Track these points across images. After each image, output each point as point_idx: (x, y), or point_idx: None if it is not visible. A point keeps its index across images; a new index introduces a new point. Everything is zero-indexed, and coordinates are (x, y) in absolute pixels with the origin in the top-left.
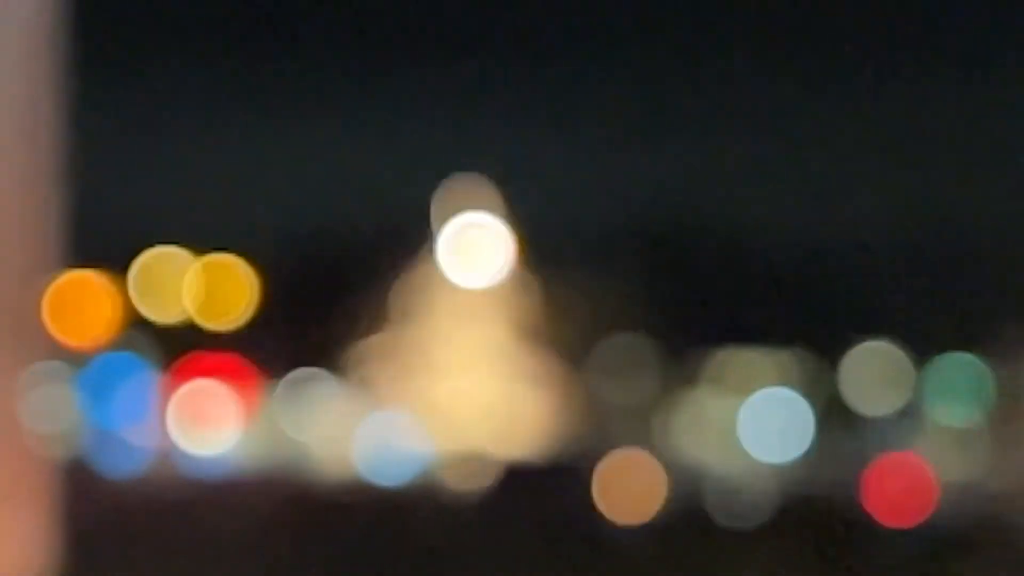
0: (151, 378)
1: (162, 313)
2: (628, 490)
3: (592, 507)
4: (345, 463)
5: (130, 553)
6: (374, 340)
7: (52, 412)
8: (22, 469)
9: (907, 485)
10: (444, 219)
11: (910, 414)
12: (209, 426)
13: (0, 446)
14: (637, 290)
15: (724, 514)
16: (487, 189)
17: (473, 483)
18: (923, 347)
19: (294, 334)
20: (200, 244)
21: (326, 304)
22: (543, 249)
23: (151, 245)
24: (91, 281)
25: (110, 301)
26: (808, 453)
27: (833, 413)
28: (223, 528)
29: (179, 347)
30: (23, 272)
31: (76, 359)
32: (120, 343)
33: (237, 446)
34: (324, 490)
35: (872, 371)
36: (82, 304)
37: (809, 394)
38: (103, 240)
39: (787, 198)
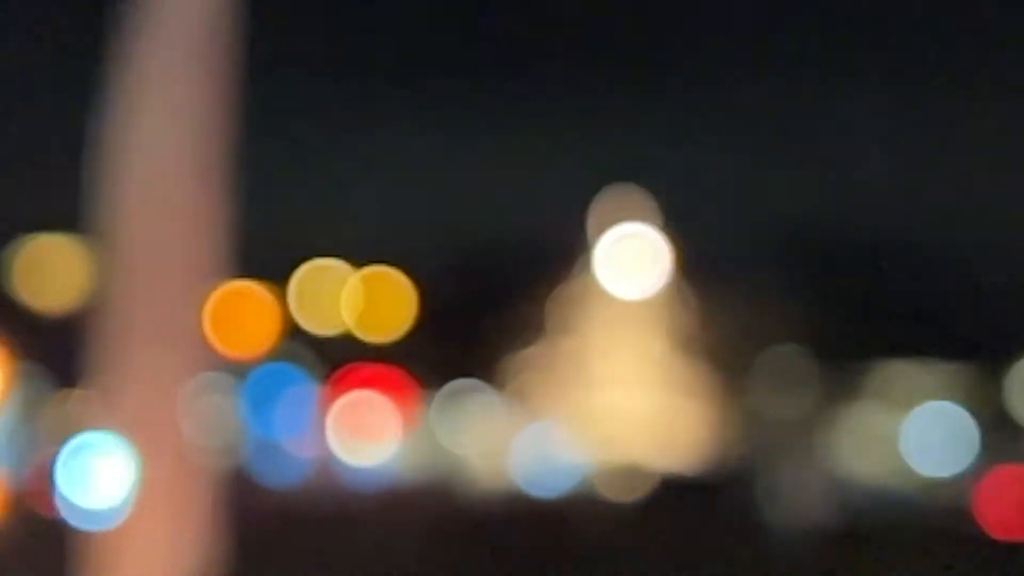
0: (311, 389)
1: (321, 324)
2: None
3: (752, 518)
4: (502, 474)
5: (290, 562)
6: (531, 352)
7: (214, 422)
8: (185, 479)
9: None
10: (601, 231)
11: None
12: (368, 437)
13: (164, 456)
14: (798, 302)
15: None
16: (644, 200)
17: (630, 495)
18: None
19: (452, 345)
20: (359, 256)
21: (483, 316)
22: (701, 260)
23: (311, 256)
24: (253, 292)
25: (271, 312)
26: (972, 467)
27: (998, 427)
28: (381, 538)
29: (338, 358)
30: (189, 282)
31: (238, 370)
32: (280, 354)
33: (396, 457)
34: (481, 501)
35: None
36: (244, 315)
37: (974, 408)
38: (264, 250)
39: (954, 212)
